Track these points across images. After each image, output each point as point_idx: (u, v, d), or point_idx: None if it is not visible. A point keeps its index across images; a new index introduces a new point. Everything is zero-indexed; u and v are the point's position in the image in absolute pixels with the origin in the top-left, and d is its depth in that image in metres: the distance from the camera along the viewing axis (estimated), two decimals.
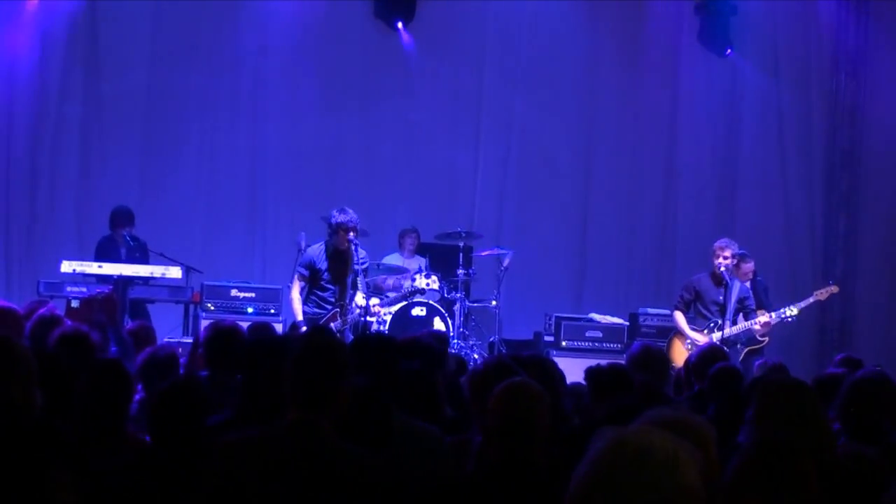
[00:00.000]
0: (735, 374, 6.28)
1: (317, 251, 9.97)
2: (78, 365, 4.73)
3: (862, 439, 4.82)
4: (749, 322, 10.35)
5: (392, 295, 11.04)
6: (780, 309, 10.46)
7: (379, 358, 4.59)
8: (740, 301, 10.42)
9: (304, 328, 9.41)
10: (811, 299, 10.72)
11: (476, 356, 11.06)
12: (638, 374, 5.95)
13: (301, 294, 10.01)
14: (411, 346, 5.86)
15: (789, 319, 10.40)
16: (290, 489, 3.56)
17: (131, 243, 11.54)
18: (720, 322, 10.35)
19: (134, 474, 3.82)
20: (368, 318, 9.95)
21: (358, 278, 9.80)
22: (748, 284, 10.78)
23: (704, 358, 6.87)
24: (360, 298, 9.83)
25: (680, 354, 10.23)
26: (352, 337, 9.72)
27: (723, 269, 10.28)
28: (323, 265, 9.90)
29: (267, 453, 3.60)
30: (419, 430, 4.52)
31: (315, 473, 3.57)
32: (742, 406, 4.74)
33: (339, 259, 9.87)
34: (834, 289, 10.94)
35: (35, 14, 12.87)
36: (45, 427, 3.77)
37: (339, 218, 9.76)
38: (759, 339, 10.51)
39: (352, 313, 9.82)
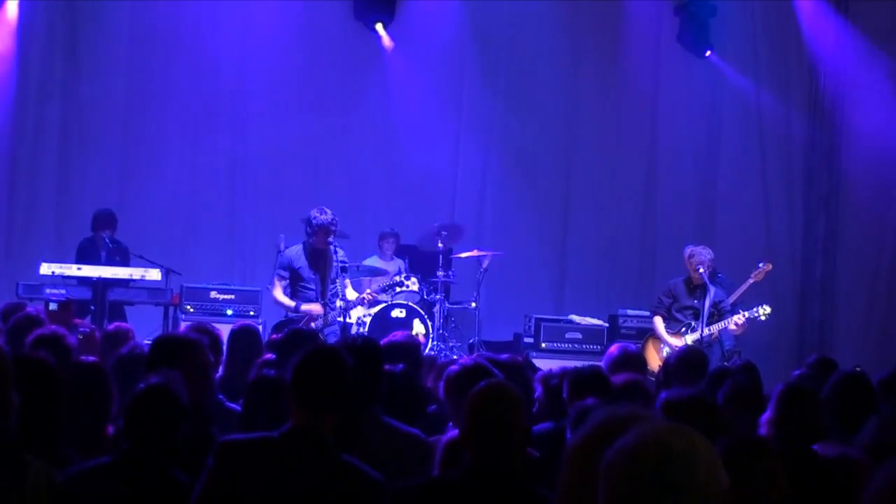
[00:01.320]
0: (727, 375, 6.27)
1: (294, 252, 9.96)
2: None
3: (839, 439, 4.86)
4: (724, 322, 10.40)
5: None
6: (752, 308, 10.51)
7: (367, 361, 4.59)
8: (714, 304, 10.48)
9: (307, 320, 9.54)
10: (749, 282, 10.82)
11: (455, 357, 11.05)
12: (619, 376, 5.95)
13: (286, 294, 10.02)
14: (394, 349, 5.86)
15: (762, 318, 10.45)
16: (288, 494, 3.58)
17: (111, 246, 11.50)
18: (693, 324, 10.43)
19: (110, 476, 3.80)
20: (348, 320, 9.95)
21: (338, 279, 9.80)
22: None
23: (685, 360, 6.87)
24: (350, 293, 9.91)
25: (654, 358, 10.27)
26: (332, 336, 9.74)
27: (701, 271, 10.35)
28: (302, 265, 9.89)
29: (267, 457, 3.62)
30: (402, 434, 4.52)
31: (314, 481, 3.61)
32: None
33: (319, 258, 9.87)
34: (768, 267, 11.00)
35: (14, 16, 12.80)
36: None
37: (319, 219, 9.75)
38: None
39: (332, 311, 9.83)
